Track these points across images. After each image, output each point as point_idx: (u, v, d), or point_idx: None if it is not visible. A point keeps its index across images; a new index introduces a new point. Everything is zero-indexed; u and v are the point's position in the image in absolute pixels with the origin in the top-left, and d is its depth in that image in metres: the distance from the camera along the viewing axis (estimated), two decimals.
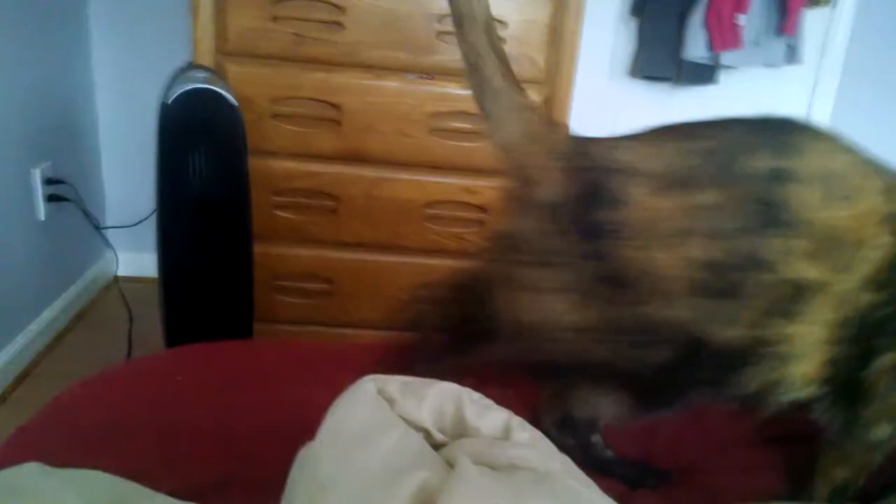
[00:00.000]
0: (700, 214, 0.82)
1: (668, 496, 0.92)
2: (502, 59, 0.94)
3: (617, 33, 2.33)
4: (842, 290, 0.81)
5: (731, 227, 0.81)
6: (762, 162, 0.83)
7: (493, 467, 0.58)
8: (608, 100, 2.39)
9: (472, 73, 0.93)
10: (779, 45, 2.24)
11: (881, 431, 0.87)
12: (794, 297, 0.80)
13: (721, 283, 0.80)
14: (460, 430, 0.66)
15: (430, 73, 1.85)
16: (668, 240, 0.82)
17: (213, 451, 0.89)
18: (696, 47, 2.16)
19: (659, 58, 2.25)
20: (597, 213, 0.83)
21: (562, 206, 0.85)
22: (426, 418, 0.64)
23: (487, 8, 0.94)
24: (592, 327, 0.84)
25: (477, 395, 0.68)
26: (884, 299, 0.82)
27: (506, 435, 0.65)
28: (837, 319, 0.81)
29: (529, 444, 0.64)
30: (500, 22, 1.80)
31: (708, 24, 2.13)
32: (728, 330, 0.81)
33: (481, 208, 1.94)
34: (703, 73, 2.28)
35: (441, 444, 0.65)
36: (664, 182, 0.83)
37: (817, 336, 0.82)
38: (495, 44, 0.94)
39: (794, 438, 0.99)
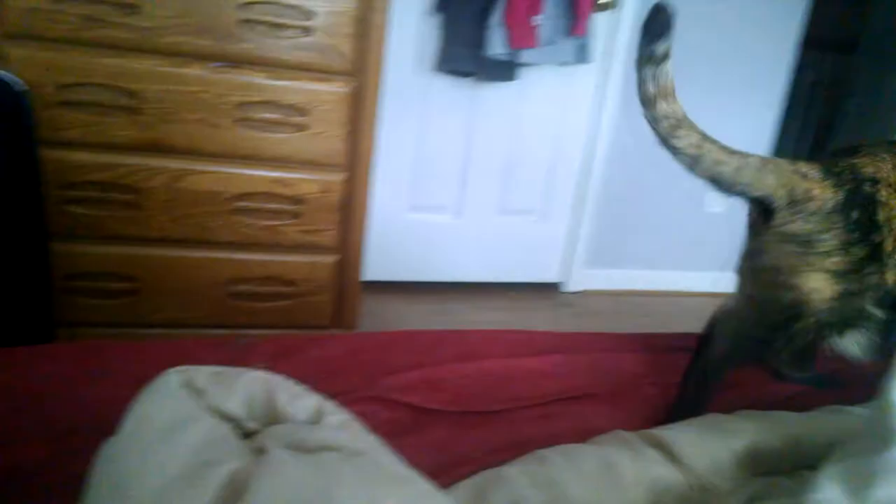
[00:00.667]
0: None
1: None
2: (714, 142, 1.21)
3: (421, 28, 2.39)
4: None
5: None
6: None
7: (304, 451, 0.59)
8: (414, 93, 2.45)
9: (695, 164, 1.21)
10: (571, 46, 2.42)
11: None
12: None
13: None
14: (273, 418, 0.66)
15: (236, 62, 1.80)
16: None
17: (9, 459, 0.83)
18: (496, 45, 2.28)
19: (462, 54, 2.34)
20: (857, 212, 1.13)
21: (834, 211, 1.14)
22: (236, 408, 0.64)
23: (683, 111, 1.19)
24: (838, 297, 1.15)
25: (289, 382, 0.69)
26: None
27: (318, 419, 0.67)
28: None
29: (341, 426, 0.66)
30: (306, 12, 1.79)
31: (506, 23, 2.25)
32: None
33: (294, 200, 1.93)
34: (504, 70, 2.41)
35: (254, 432, 0.65)
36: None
37: None
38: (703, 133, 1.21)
39: None
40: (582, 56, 2.47)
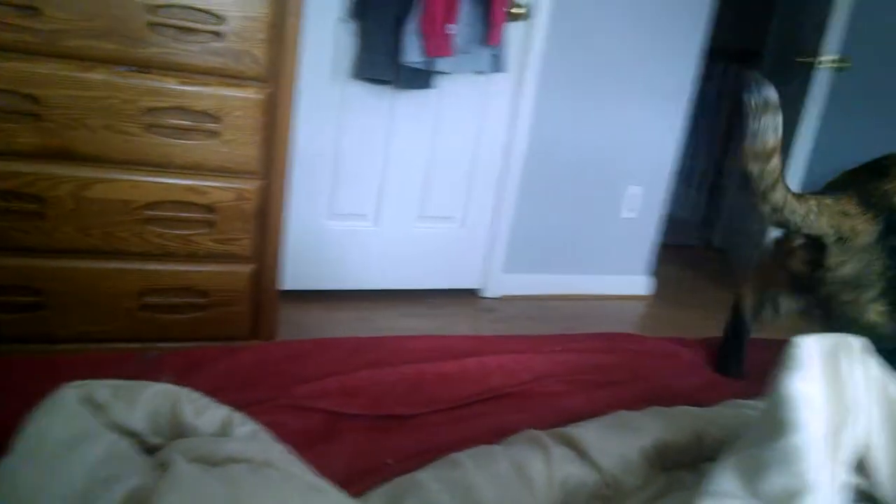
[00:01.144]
0: None
1: None
2: (789, 191, 1.35)
3: (338, 35, 2.38)
4: None
5: None
6: None
7: (210, 464, 0.59)
8: (331, 100, 2.44)
9: (774, 213, 1.36)
10: (486, 55, 2.46)
11: None
12: None
13: None
14: (178, 431, 0.65)
15: (145, 66, 1.75)
16: None
17: None
18: (411, 53, 2.29)
19: (379, 61, 2.35)
20: (894, 238, 1.31)
21: (877, 242, 1.32)
22: (139, 422, 0.63)
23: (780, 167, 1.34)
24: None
25: (196, 394, 0.68)
26: None
27: (225, 431, 0.66)
28: None
29: (250, 436, 0.66)
30: (218, 17, 1.76)
31: (422, 32, 2.27)
32: None
33: (208, 208, 1.89)
34: (421, 78, 2.42)
35: (158, 447, 0.63)
36: None
37: None
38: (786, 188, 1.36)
39: None
40: (497, 65, 2.51)
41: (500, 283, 2.94)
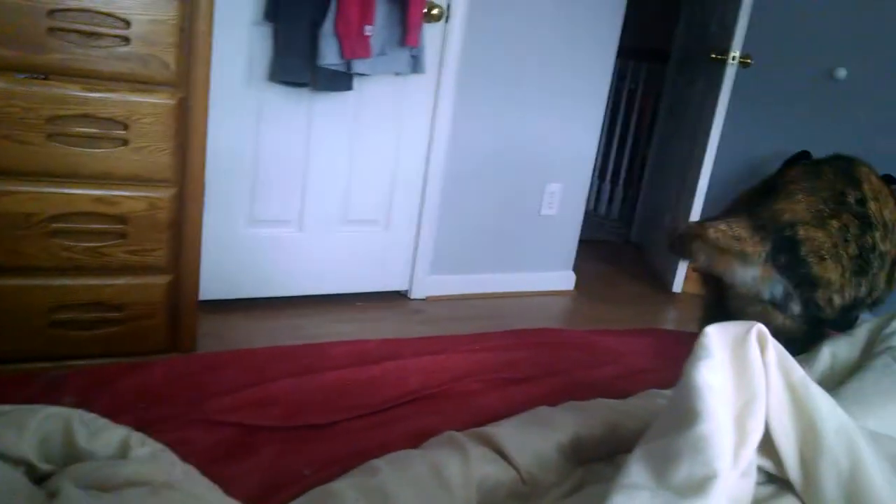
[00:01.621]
0: (837, 233, 1.49)
1: None
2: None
3: (253, 37, 2.34)
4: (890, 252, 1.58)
5: (856, 233, 1.51)
6: (852, 194, 1.54)
7: (106, 489, 0.56)
8: (248, 104, 2.39)
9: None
10: (404, 56, 2.46)
11: None
12: (884, 261, 1.57)
13: (863, 265, 1.51)
14: (72, 456, 0.62)
15: (46, 73, 1.68)
16: (832, 251, 1.48)
17: None
18: (329, 55, 2.26)
19: (295, 64, 2.31)
20: (783, 256, 1.48)
21: (767, 261, 1.49)
22: (29, 450, 0.60)
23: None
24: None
25: (90, 416, 0.65)
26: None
27: (124, 453, 0.63)
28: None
29: (149, 458, 0.63)
30: (123, 21, 1.70)
31: (338, 33, 2.25)
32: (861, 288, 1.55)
33: (119, 219, 1.82)
34: (340, 80, 2.40)
35: (49, 473, 0.60)
36: (814, 222, 1.49)
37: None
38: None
39: None
40: (415, 66, 2.51)
41: (427, 285, 2.94)
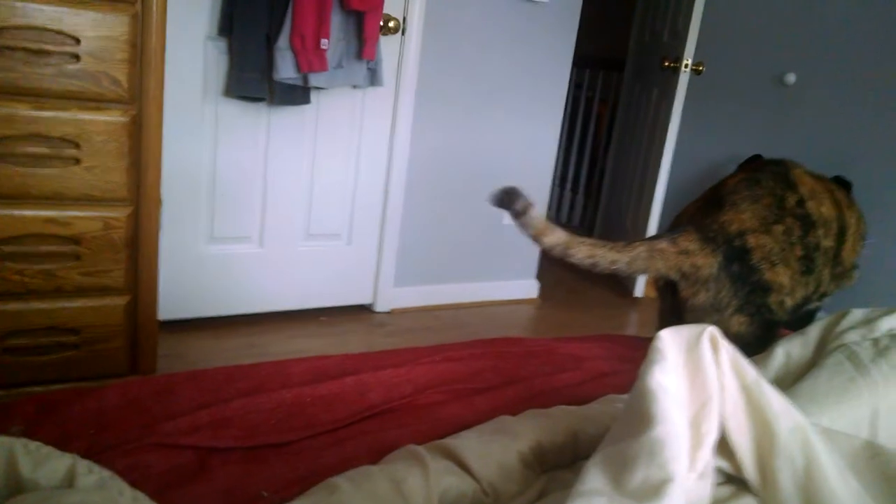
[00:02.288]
0: (783, 236, 1.53)
1: None
2: (603, 246, 1.57)
3: (208, 52, 2.31)
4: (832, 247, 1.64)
5: (800, 234, 1.55)
6: (792, 197, 1.58)
7: None
8: (204, 120, 2.37)
9: (595, 266, 1.54)
10: (361, 68, 2.45)
11: None
12: (828, 257, 1.62)
13: (809, 264, 1.57)
14: (15, 487, 0.60)
15: None
16: (781, 255, 1.53)
17: None
18: (285, 69, 2.25)
19: (252, 78, 2.29)
20: (735, 265, 1.52)
21: (720, 270, 1.52)
22: None
23: (565, 235, 1.59)
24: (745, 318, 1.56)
25: (34, 445, 0.63)
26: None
27: (70, 482, 0.61)
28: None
29: (96, 486, 0.62)
30: (72, 37, 1.67)
31: (293, 47, 2.24)
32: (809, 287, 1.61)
33: (73, 240, 1.78)
34: (297, 94, 2.39)
35: None
36: (761, 229, 1.53)
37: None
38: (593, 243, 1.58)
39: None
40: (373, 79, 2.51)
41: (391, 297, 2.93)
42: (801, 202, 1.59)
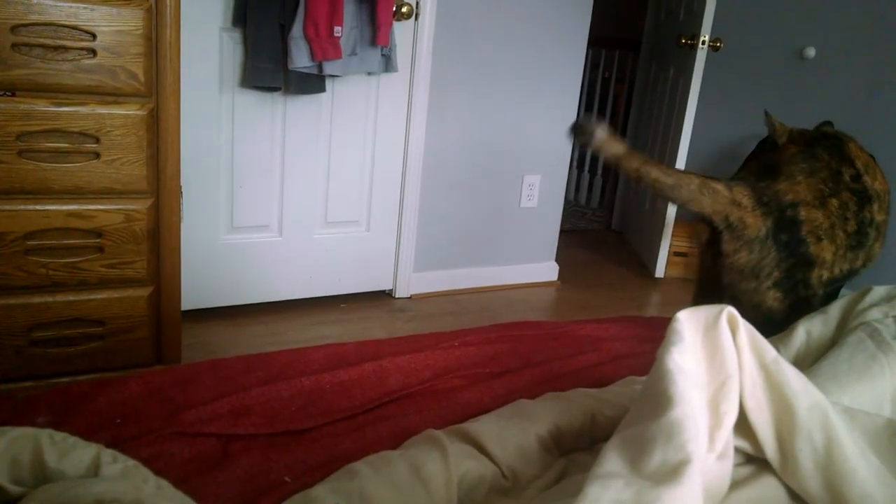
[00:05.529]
0: (838, 210, 1.53)
1: None
2: (655, 164, 1.59)
3: (223, 43, 2.32)
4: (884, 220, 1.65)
5: (855, 209, 1.55)
6: (847, 171, 1.58)
7: None
8: (221, 111, 2.38)
9: (638, 182, 1.58)
10: (375, 55, 2.45)
11: None
12: (879, 232, 1.63)
13: (861, 238, 1.57)
14: (42, 477, 0.62)
15: (12, 89, 1.66)
16: (829, 231, 1.53)
17: None
18: (299, 58, 2.26)
19: (267, 68, 2.30)
20: (784, 234, 1.52)
21: (767, 237, 1.51)
22: None
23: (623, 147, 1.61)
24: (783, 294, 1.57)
25: (60, 435, 0.65)
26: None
27: (94, 471, 0.63)
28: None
29: (120, 474, 0.63)
30: (88, 33, 1.69)
31: (307, 36, 2.24)
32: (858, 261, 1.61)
33: (95, 233, 1.81)
34: (312, 82, 2.39)
35: (20, 496, 0.60)
36: (815, 203, 1.53)
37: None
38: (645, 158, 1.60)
39: None
40: (387, 65, 2.51)
41: (412, 283, 2.94)
42: (856, 176, 1.59)
